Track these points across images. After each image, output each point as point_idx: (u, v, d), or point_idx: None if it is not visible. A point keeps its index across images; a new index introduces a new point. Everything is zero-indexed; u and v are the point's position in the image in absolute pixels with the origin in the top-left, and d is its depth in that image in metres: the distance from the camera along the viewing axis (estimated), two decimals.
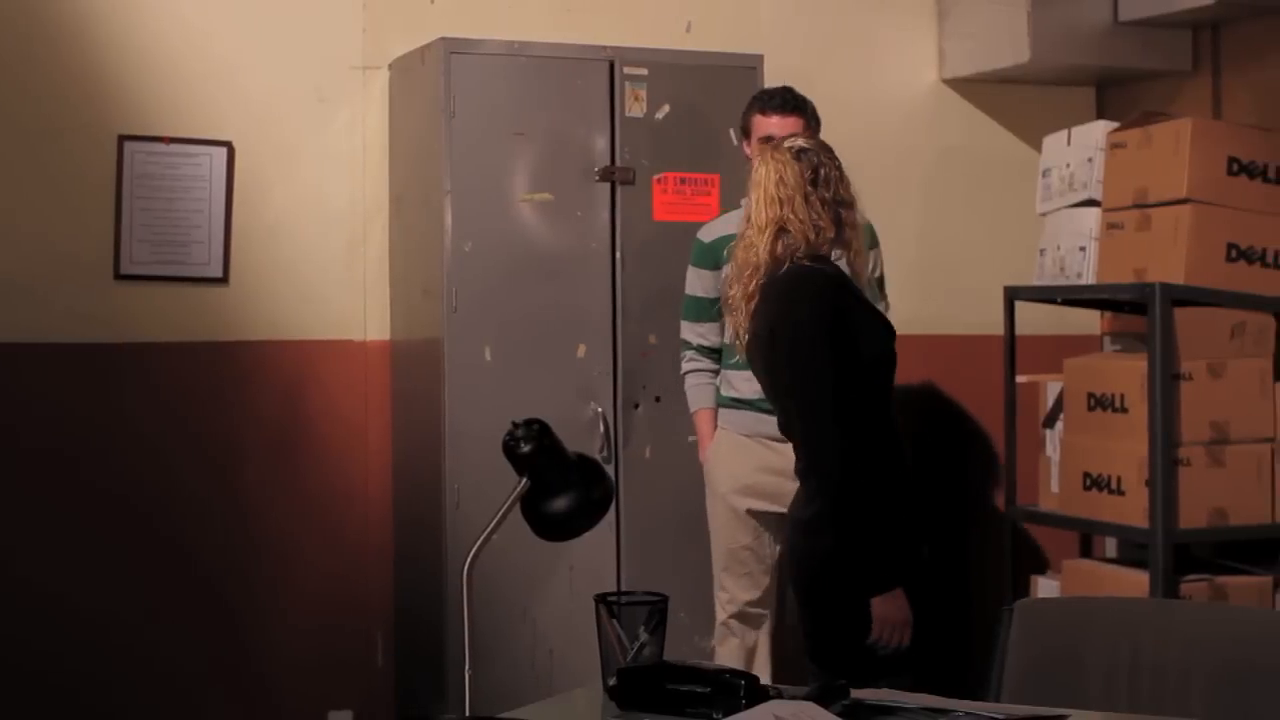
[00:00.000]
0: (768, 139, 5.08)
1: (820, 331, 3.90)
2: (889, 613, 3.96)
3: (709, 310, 5.25)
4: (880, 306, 5.35)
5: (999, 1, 6.35)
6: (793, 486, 5.00)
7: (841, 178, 4.09)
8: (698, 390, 5.38)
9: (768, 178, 4.03)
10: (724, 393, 5.26)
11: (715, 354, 5.33)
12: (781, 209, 3.99)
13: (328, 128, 5.91)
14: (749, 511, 5.17)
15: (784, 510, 5.09)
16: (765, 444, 5.08)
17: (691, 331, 5.35)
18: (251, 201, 5.79)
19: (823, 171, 4.04)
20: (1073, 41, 6.35)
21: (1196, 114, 6.04)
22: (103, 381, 5.64)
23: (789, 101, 5.25)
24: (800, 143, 4.11)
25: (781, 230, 3.99)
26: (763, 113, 5.25)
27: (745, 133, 5.32)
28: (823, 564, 3.96)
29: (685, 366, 5.40)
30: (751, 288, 3.99)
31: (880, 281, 5.44)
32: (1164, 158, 5.60)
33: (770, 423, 5.02)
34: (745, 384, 5.10)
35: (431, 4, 5.95)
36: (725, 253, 5.12)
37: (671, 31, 6.19)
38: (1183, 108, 6.29)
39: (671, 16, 6.25)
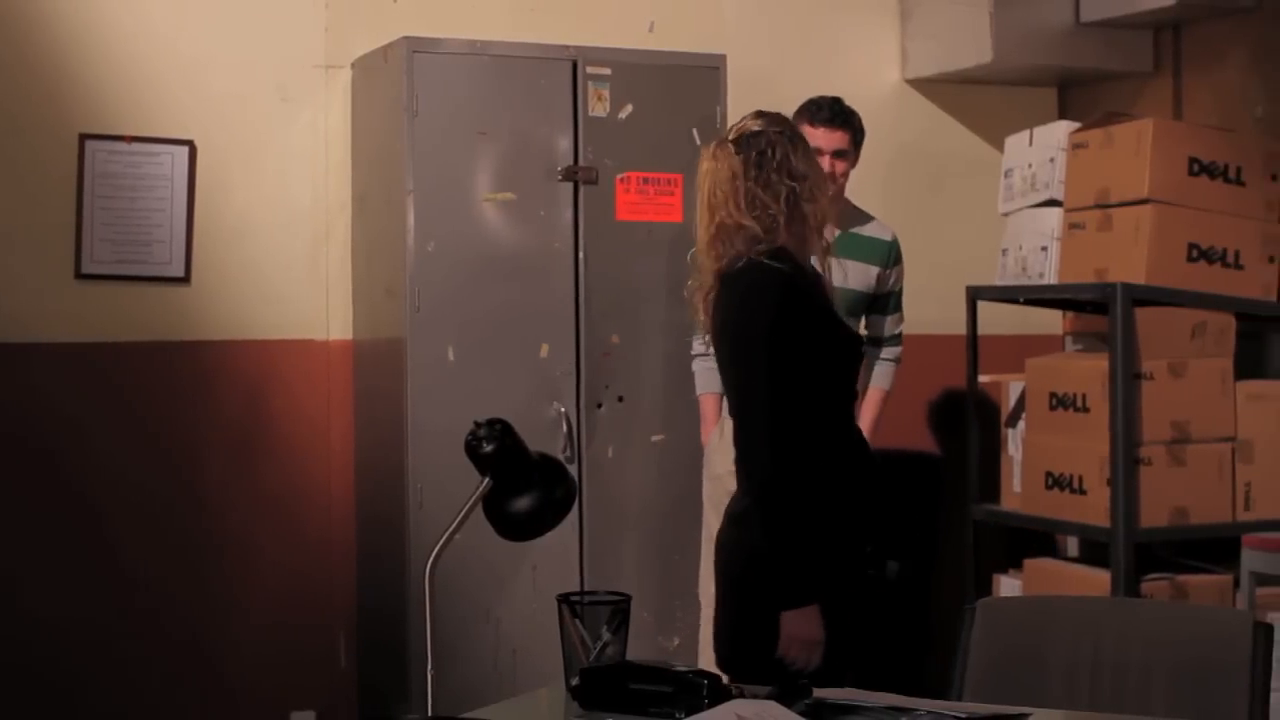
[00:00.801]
0: (815, 152, 5.12)
1: (761, 332, 3.78)
2: (798, 630, 3.76)
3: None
4: (893, 318, 5.56)
5: (961, 2, 6.36)
6: None
7: (795, 151, 3.92)
8: (705, 374, 5.41)
9: (709, 176, 3.92)
10: None
11: None
12: (720, 212, 3.88)
13: (290, 127, 5.89)
14: None
15: None
16: None
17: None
18: (213, 201, 5.77)
19: (769, 152, 3.89)
20: (1035, 42, 6.37)
21: (1158, 114, 6.06)
22: (64, 381, 5.61)
23: (838, 115, 5.38)
24: (752, 125, 3.95)
25: (723, 230, 3.88)
26: (811, 123, 5.33)
27: None
28: (744, 562, 3.87)
29: (694, 349, 5.45)
30: (709, 284, 3.94)
31: (900, 295, 5.62)
32: (1125, 158, 5.62)
33: None
34: None
35: (394, 3, 5.94)
36: None
37: (634, 31, 6.19)
38: (1144, 108, 6.31)
39: (634, 16, 6.25)
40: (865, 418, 5.43)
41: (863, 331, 5.47)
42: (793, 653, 3.74)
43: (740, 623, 3.88)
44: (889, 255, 5.54)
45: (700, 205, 3.99)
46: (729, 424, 5.13)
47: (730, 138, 3.99)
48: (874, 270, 5.49)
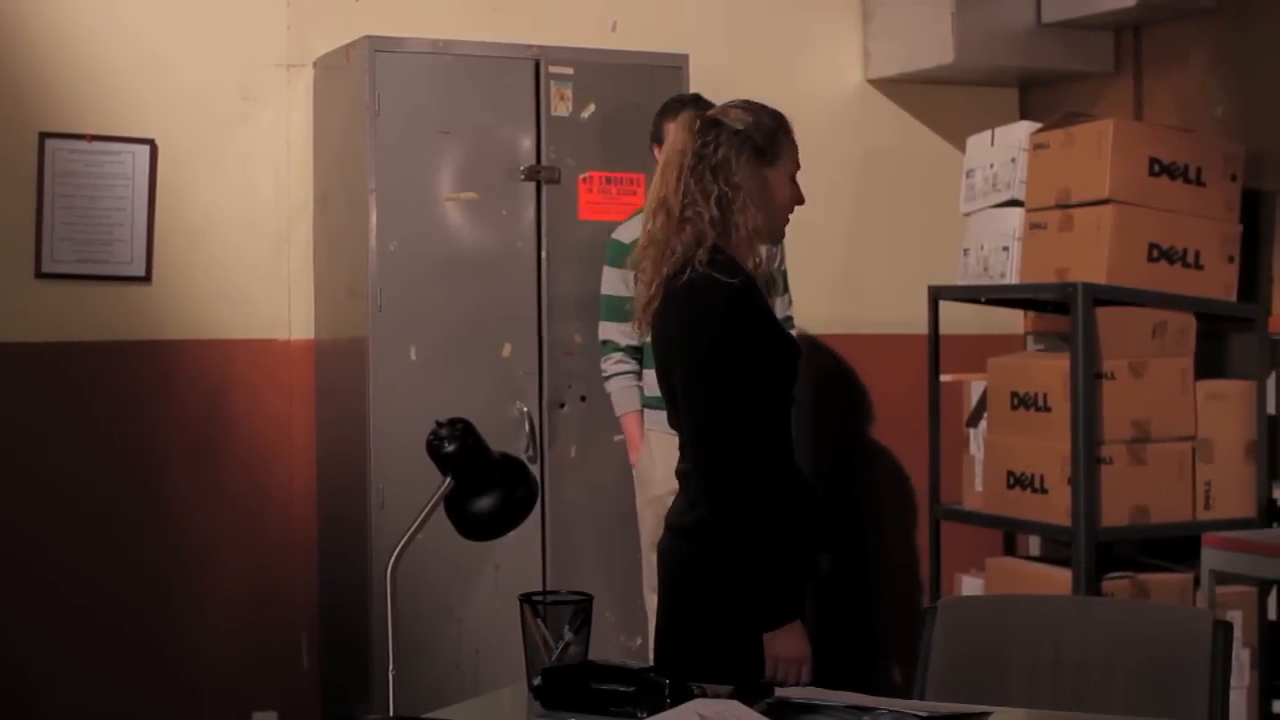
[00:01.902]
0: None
1: (719, 346, 3.58)
2: (786, 649, 3.56)
3: (626, 309, 5.17)
4: (782, 301, 5.33)
5: (923, 3, 6.38)
6: None
7: (740, 158, 3.67)
8: (625, 393, 5.38)
9: (670, 150, 3.72)
10: (649, 393, 5.24)
11: (639, 353, 5.32)
12: (665, 190, 3.67)
13: (252, 126, 5.88)
14: None
15: None
16: None
17: (615, 331, 5.34)
18: (175, 200, 5.75)
19: (711, 148, 3.67)
20: (996, 42, 6.38)
21: (1118, 115, 6.09)
22: (23, 381, 5.59)
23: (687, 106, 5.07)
24: (724, 114, 3.74)
25: (667, 215, 3.65)
26: (670, 120, 5.08)
27: (656, 142, 5.27)
28: (693, 570, 3.66)
29: (609, 369, 5.39)
30: (654, 288, 3.69)
31: (785, 274, 5.42)
32: (1086, 158, 5.64)
33: None
34: None
35: (356, 2, 5.92)
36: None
37: (597, 31, 6.18)
38: (1105, 109, 6.34)
39: (597, 16, 6.25)
40: None
41: None
42: (783, 673, 3.56)
43: (684, 632, 3.68)
44: None
45: (656, 172, 3.79)
46: (659, 443, 5.12)
47: (703, 115, 3.79)
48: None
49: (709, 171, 3.66)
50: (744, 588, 3.55)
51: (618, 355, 5.36)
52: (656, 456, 5.19)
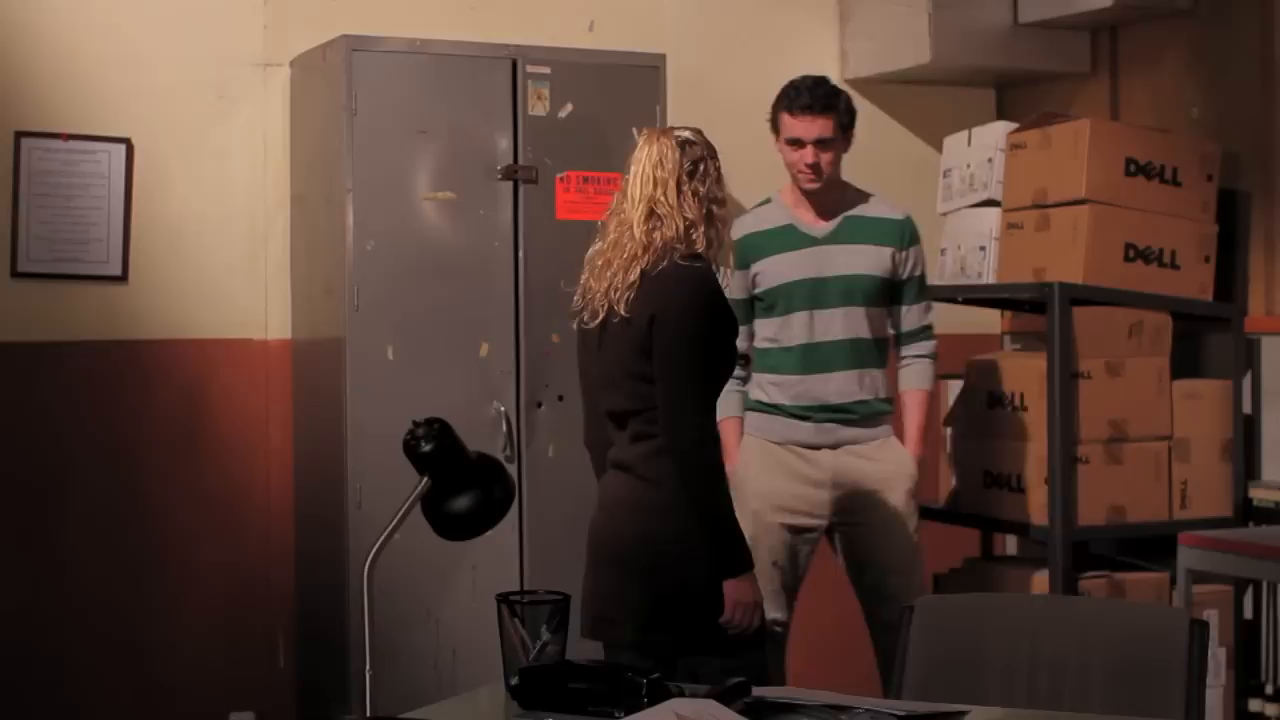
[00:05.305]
0: (795, 142, 4.99)
1: (701, 325, 3.95)
2: (743, 595, 3.98)
3: (738, 311, 4.86)
4: (918, 308, 5.16)
5: (900, 3, 6.38)
6: (824, 496, 4.99)
7: (719, 179, 4.07)
8: (724, 397, 5.06)
9: (648, 158, 4.02)
10: (754, 396, 5.15)
11: (744, 359, 5.14)
12: (655, 189, 3.99)
13: (228, 125, 5.87)
14: (783, 526, 5.05)
15: (820, 523, 5.09)
16: (797, 452, 5.04)
17: None
18: (151, 199, 5.74)
19: (701, 166, 4.03)
20: (973, 43, 6.39)
21: (1095, 115, 6.10)
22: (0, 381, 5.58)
23: (816, 102, 4.98)
24: (686, 134, 4.07)
25: (652, 213, 3.98)
26: (789, 111, 5.01)
27: (774, 129, 5.09)
28: (671, 543, 3.98)
29: None
30: (633, 276, 3.98)
31: (920, 280, 5.19)
32: (1063, 158, 5.65)
33: (803, 429, 5.04)
34: (775, 389, 5.07)
35: (333, 1, 5.91)
36: (747, 249, 5.05)
37: (574, 30, 6.18)
38: (1081, 109, 6.35)
39: (574, 15, 6.24)
40: (911, 423, 5.18)
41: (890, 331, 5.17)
42: (738, 617, 3.98)
43: (673, 602, 3.99)
44: (902, 235, 5.12)
45: (634, 178, 4.04)
46: (757, 449, 5.09)
47: (674, 132, 4.10)
48: (887, 252, 5.08)
49: (699, 184, 4.02)
50: (712, 540, 3.97)
51: None
52: (755, 467, 5.08)
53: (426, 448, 2.85)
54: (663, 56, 5.87)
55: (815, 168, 5.00)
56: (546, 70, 5.66)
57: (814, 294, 5.04)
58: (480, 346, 5.57)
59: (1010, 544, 6.41)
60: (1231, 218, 5.85)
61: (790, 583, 5.11)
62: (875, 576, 5.08)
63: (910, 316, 5.19)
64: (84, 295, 5.67)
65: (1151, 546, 5.70)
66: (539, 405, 5.63)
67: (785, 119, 5.02)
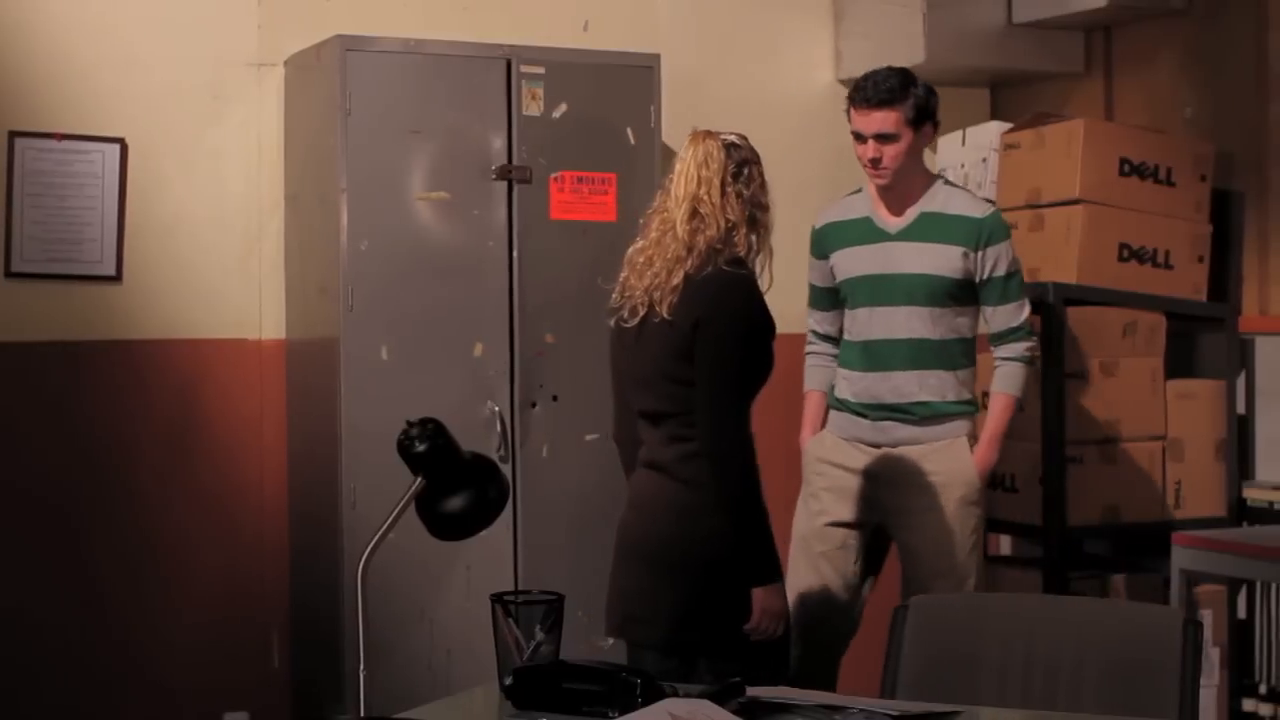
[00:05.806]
0: (858, 136, 4.90)
1: (744, 334, 3.97)
2: (771, 603, 3.98)
3: (824, 299, 5.10)
4: (1004, 310, 4.94)
5: (895, 3, 6.39)
6: (876, 494, 4.99)
7: (763, 185, 4.08)
8: (813, 371, 5.17)
9: (694, 157, 4.03)
10: (834, 391, 5.11)
11: (834, 342, 5.12)
12: (699, 188, 3.99)
13: (222, 125, 5.86)
14: (831, 524, 5.01)
15: (870, 520, 5.03)
16: (860, 448, 4.98)
17: (812, 319, 5.19)
18: (145, 199, 5.73)
19: (746, 170, 4.05)
20: (967, 43, 6.39)
21: (1089, 115, 6.10)
22: None
23: (876, 95, 4.84)
24: (733, 137, 4.08)
25: (695, 213, 3.99)
26: (853, 104, 4.90)
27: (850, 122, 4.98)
28: (705, 545, 3.98)
29: (807, 348, 5.21)
30: (677, 279, 3.97)
31: (1004, 280, 4.92)
32: (1057, 158, 5.66)
33: (862, 425, 4.99)
34: (844, 383, 5.03)
35: (327, 1, 5.91)
36: (827, 239, 5.05)
37: (569, 30, 6.18)
38: (1075, 109, 6.35)
39: (569, 15, 6.24)
40: (988, 427, 4.96)
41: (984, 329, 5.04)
42: (764, 625, 3.98)
43: (712, 607, 4.00)
44: (978, 234, 4.86)
45: (678, 175, 4.05)
46: (831, 442, 5.06)
47: (721, 135, 4.09)
48: (956, 251, 4.86)
49: (744, 188, 4.04)
50: (744, 546, 3.96)
51: (812, 337, 5.20)
52: (819, 454, 5.07)
53: (421, 448, 2.85)
54: (657, 56, 5.87)
55: (877, 162, 4.86)
56: (541, 70, 5.65)
57: (875, 290, 4.94)
58: (474, 346, 5.57)
59: (1005, 544, 6.41)
60: (1225, 218, 5.86)
61: (845, 580, 5.03)
62: (919, 583, 4.90)
63: (996, 318, 4.95)
64: (78, 295, 5.67)
65: (1146, 546, 5.71)
66: (533, 405, 5.63)
67: (851, 112, 4.91)
